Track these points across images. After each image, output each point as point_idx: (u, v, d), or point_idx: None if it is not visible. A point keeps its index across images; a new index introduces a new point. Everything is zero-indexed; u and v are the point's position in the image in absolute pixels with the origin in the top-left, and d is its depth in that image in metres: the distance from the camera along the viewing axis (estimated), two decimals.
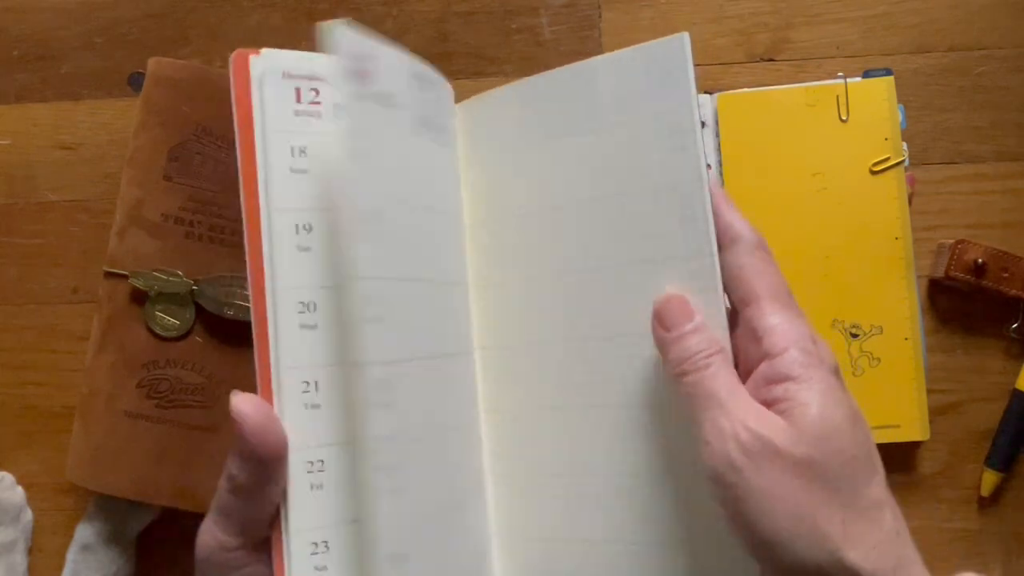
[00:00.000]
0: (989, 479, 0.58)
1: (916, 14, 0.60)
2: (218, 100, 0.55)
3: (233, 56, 0.37)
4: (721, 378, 0.33)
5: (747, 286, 0.35)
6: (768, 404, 0.33)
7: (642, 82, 0.39)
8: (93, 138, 0.61)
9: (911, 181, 0.58)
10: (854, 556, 0.31)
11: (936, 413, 0.58)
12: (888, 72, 0.58)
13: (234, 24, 0.62)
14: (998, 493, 0.59)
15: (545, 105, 0.43)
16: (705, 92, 0.59)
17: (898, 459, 0.59)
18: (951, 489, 0.59)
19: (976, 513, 0.59)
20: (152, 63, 0.55)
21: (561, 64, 0.60)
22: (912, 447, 0.59)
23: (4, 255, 0.61)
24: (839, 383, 0.33)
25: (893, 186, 0.57)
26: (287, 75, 0.38)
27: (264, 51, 0.37)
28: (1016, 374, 0.59)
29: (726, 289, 0.36)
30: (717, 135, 0.58)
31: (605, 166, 0.40)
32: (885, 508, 0.33)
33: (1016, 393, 0.58)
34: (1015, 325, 0.59)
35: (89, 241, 0.61)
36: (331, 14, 0.61)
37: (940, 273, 0.58)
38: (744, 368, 0.35)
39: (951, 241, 0.58)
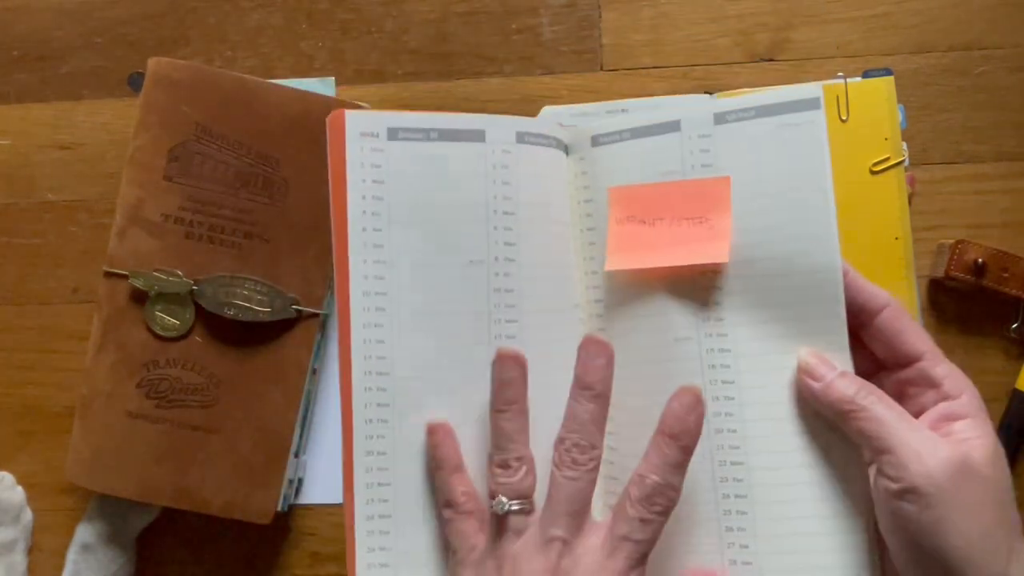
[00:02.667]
0: None
1: (916, 14, 0.60)
2: (218, 100, 0.55)
3: (330, 118, 0.41)
4: (895, 408, 0.38)
5: (912, 343, 0.40)
6: (945, 437, 0.38)
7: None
8: (93, 138, 0.61)
9: (911, 181, 0.58)
10: (1015, 572, 0.35)
11: None
12: (888, 72, 0.58)
13: (234, 24, 0.62)
14: None
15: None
16: (705, 92, 0.59)
17: None
18: None
19: None
20: (152, 63, 0.55)
21: (561, 63, 0.61)
22: None
23: (4, 255, 0.61)
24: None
25: (893, 186, 0.57)
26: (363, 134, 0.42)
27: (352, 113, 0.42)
28: (1016, 374, 0.59)
29: (890, 347, 0.41)
30: None
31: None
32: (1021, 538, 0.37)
33: (1016, 393, 0.58)
34: (1015, 325, 0.59)
35: (89, 241, 0.61)
36: (331, 14, 0.61)
37: (940, 273, 0.58)
38: (915, 413, 0.39)
39: (951, 241, 0.58)
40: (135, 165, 0.55)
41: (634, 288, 0.43)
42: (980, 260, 0.57)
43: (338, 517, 0.59)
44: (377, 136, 0.42)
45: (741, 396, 0.41)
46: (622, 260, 0.42)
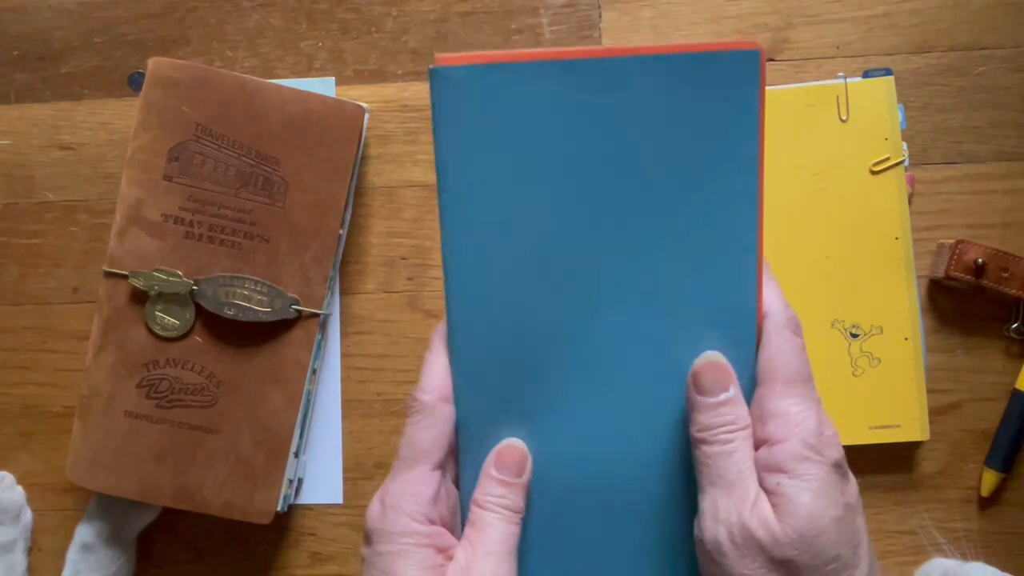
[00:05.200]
0: (989, 479, 0.58)
1: (916, 14, 0.60)
2: (218, 100, 0.55)
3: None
4: (737, 458, 0.33)
5: (766, 363, 0.34)
6: (765, 489, 0.33)
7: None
8: (93, 138, 0.61)
9: (911, 181, 0.58)
10: None
11: (936, 413, 0.58)
12: (888, 72, 0.58)
13: (234, 24, 0.62)
14: (998, 493, 0.59)
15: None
16: None
17: (898, 459, 0.59)
18: (951, 489, 0.59)
19: (976, 513, 0.59)
20: (152, 63, 0.55)
21: None
22: (912, 447, 0.59)
23: (4, 255, 0.61)
24: (837, 477, 0.33)
25: (893, 186, 0.57)
26: None
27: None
28: (1016, 374, 0.59)
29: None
30: None
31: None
32: None
33: (1016, 393, 0.58)
34: (1015, 325, 0.59)
35: (89, 241, 0.61)
36: (331, 14, 0.61)
37: (940, 273, 0.58)
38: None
39: (951, 241, 0.58)
40: (135, 165, 0.55)
41: None
42: (980, 260, 0.57)
43: (338, 517, 0.59)
44: None
45: None
46: None
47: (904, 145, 0.58)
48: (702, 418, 0.34)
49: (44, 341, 0.61)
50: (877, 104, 0.57)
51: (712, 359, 0.35)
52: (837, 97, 0.58)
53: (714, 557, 0.32)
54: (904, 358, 0.57)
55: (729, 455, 0.33)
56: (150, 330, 0.54)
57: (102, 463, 0.53)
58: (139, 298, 0.54)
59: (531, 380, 0.38)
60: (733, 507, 0.32)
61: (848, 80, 0.58)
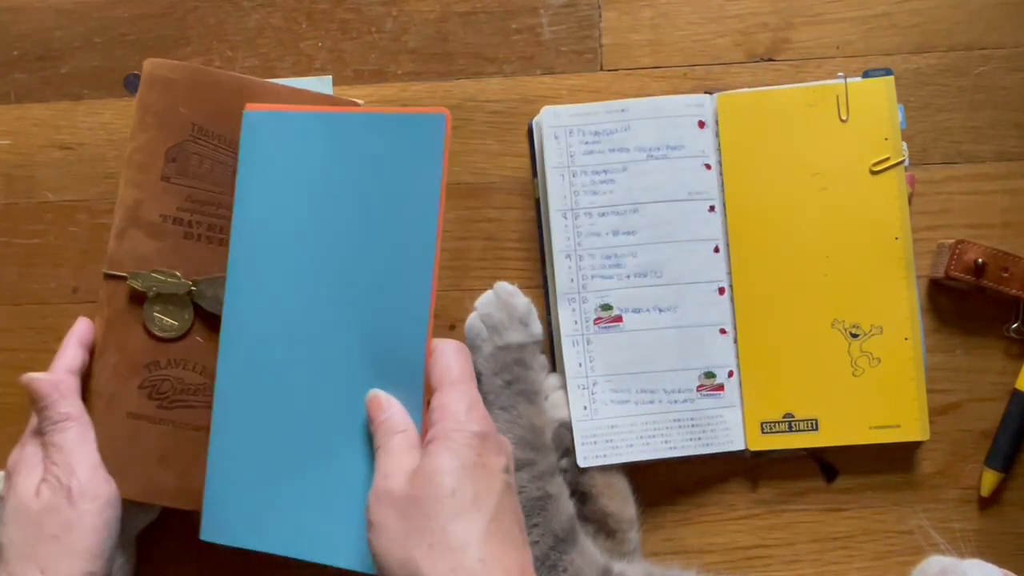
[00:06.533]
0: (989, 479, 0.58)
1: (916, 14, 0.60)
2: (215, 100, 0.54)
3: None
4: (392, 447, 0.45)
5: (436, 376, 0.46)
6: (425, 455, 0.43)
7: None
8: (93, 138, 0.61)
9: (911, 181, 0.58)
10: (427, 571, 0.40)
11: (936, 413, 0.58)
12: (888, 72, 0.58)
13: (234, 24, 0.62)
14: (998, 493, 0.59)
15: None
16: (705, 92, 0.59)
17: (898, 459, 0.59)
18: (951, 489, 0.59)
19: (976, 513, 0.59)
20: (148, 64, 0.55)
21: (561, 63, 0.61)
22: (912, 447, 0.59)
23: (4, 255, 0.61)
24: (475, 440, 0.43)
25: (893, 186, 0.57)
26: None
27: None
28: (1016, 374, 0.59)
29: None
30: (717, 135, 0.58)
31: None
32: (470, 541, 0.40)
33: (1016, 393, 0.58)
34: (1015, 325, 0.59)
35: (89, 241, 0.61)
36: (331, 14, 0.61)
37: (940, 273, 0.58)
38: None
39: (951, 241, 0.58)
40: (133, 167, 0.54)
41: None
42: (980, 260, 0.57)
43: None
44: None
45: None
46: None
47: (904, 145, 0.58)
48: (375, 437, 0.46)
49: (44, 341, 0.61)
50: (877, 104, 0.57)
51: (373, 395, 0.47)
52: (837, 97, 0.58)
53: (366, 518, 0.43)
54: (904, 358, 0.57)
55: (387, 448, 0.45)
56: (149, 331, 0.54)
57: (105, 464, 0.53)
58: (138, 299, 0.54)
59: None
60: (379, 476, 0.44)
61: (848, 80, 0.58)
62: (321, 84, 0.61)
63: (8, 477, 0.50)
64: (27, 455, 0.50)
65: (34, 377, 0.50)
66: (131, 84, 0.61)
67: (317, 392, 0.49)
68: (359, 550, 0.47)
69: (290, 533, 0.50)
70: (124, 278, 0.54)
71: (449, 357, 0.46)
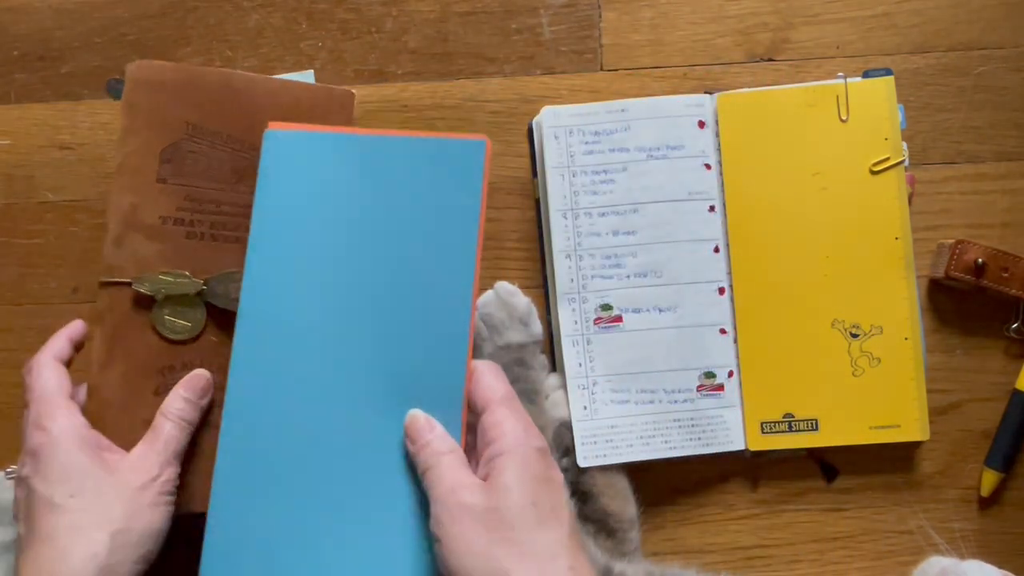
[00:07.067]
0: (989, 479, 0.58)
1: (916, 14, 0.60)
2: (207, 97, 0.53)
3: None
4: (444, 468, 0.44)
5: (481, 396, 0.46)
6: (485, 476, 0.43)
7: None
8: (93, 138, 0.61)
9: (911, 181, 0.58)
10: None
11: (936, 413, 0.58)
12: (888, 72, 0.58)
13: (234, 24, 0.62)
14: (998, 493, 0.59)
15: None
16: (705, 92, 0.59)
17: (898, 459, 0.59)
18: (951, 489, 0.59)
19: (976, 513, 0.59)
20: (132, 68, 0.53)
21: (561, 63, 0.61)
22: (912, 447, 0.59)
23: (4, 255, 0.61)
24: (539, 455, 0.44)
25: (893, 186, 0.57)
26: None
27: None
28: (1016, 374, 0.59)
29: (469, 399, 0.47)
30: (717, 135, 0.58)
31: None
32: (560, 549, 0.42)
33: (1016, 393, 0.58)
34: (1015, 325, 0.59)
35: (89, 241, 0.61)
36: (331, 14, 0.61)
37: (940, 273, 0.58)
38: (479, 457, 0.45)
39: (951, 241, 0.58)
40: (126, 172, 0.53)
41: None
42: (980, 260, 0.57)
43: None
44: None
45: None
46: None
47: (904, 145, 0.58)
48: (422, 456, 0.45)
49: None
50: (877, 104, 0.57)
51: (413, 417, 0.47)
52: (837, 97, 0.58)
53: (436, 533, 0.43)
54: (904, 358, 0.57)
55: (447, 466, 0.44)
56: (160, 335, 0.53)
57: None
58: (144, 304, 0.53)
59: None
60: (448, 492, 0.43)
61: (848, 80, 0.58)
62: (303, 78, 0.60)
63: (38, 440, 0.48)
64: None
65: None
66: (114, 88, 0.61)
67: (343, 422, 0.47)
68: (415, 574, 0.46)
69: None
70: (126, 284, 0.52)
71: (490, 378, 0.47)
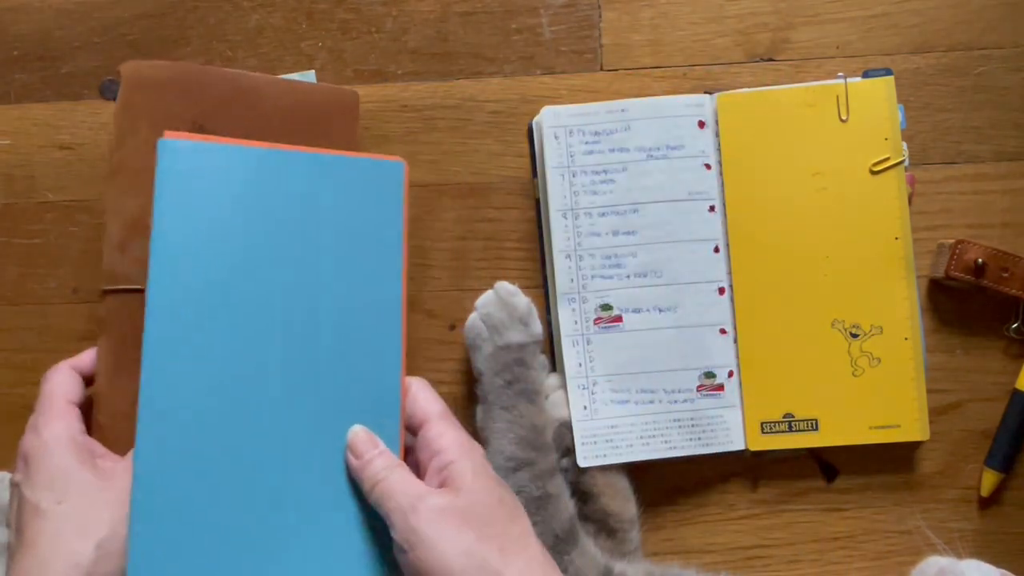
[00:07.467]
0: (989, 479, 0.58)
1: (916, 14, 0.60)
2: (211, 96, 0.53)
3: None
4: (396, 480, 0.45)
5: (419, 413, 0.48)
6: (441, 484, 0.45)
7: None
8: (93, 138, 0.61)
9: (911, 181, 0.58)
10: (512, 572, 0.42)
11: (936, 413, 0.58)
12: (888, 72, 0.58)
13: (234, 24, 0.62)
14: (998, 493, 0.59)
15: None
16: (705, 92, 0.59)
17: (898, 459, 0.59)
18: (951, 489, 0.59)
19: (976, 513, 0.59)
20: (127, 68, 0.52)
21: (561, 63, 0.61)
22: (912, 447, 0.59)
23: (4, 255, 0.61)
24: (485, 459, 0.47)
25: (893, 186, 0.57)
26: None
27: None
28: (1016, 374, 0.59)
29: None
30: (717, 135, 0.58)
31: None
32: (531, 538, 0.45)
33: (1016, 393, 0.58)
34: (1015, 325, 0.59)
35: (89, 241, 0.61)
36: (331, 14, 0.61)
37: (940, 273, 0.58)
38: (424, 470, 0.47)
39: (951, 241, 0.58)
40: (127, 174, 0.51)
41: None
42: (980, 260, 0.57)
43: None
44: None
45: None
46: None
47: (904, 145, 0.58)
48: (367, 472, 0.46)
49: (44, 341, 0.61)
50: (877, 104, 0.57)
51: (356, 431, 0.47)
52: (837, 97, 0.58)
53: (409, 541, 0.43)
54: (904, 358, 0.57)
55: (395, 481, 0.45)
56: None
57: None
58: None
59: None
60: (411, 501, 0.44)
61: (848, 80, 0.58)
62: (304, 79, 0.60)
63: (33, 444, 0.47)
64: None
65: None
66: (108, 90, 0.61)
67: (274, 443, 0.46)
68: None
69: None
70: (131, 291, 0.51)
71: (426, 394, 0.49)
